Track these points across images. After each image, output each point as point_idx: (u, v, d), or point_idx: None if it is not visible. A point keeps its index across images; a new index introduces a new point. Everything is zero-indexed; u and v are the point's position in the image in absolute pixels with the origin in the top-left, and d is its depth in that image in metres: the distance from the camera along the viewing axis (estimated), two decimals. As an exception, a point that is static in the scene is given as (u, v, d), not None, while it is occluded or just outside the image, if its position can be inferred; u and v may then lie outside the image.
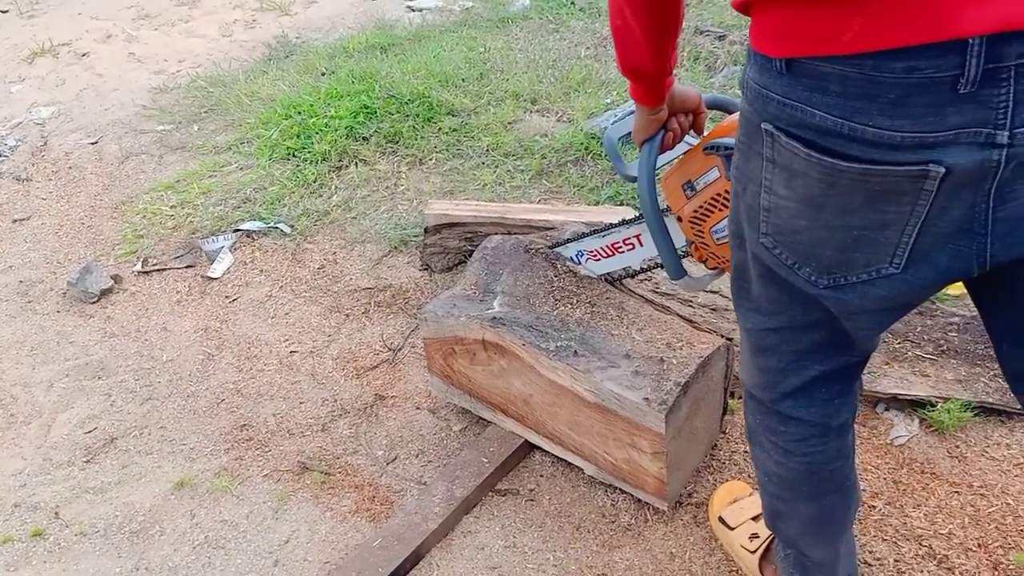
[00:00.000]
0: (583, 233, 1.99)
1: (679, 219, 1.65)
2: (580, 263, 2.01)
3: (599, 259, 1.96)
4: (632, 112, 1.47)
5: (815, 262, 1.04)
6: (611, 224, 1.90)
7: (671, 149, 1.53)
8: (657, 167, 1.52)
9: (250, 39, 4.94)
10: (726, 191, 1.50)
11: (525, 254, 2.08)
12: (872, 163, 0.91)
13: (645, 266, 1.94)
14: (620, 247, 1.90)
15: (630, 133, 1.51)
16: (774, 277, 1.14)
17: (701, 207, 1.58)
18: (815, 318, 1.15)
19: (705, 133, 1.54)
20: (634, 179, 1.58)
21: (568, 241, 2.01)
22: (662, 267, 1.75)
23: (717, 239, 1.59)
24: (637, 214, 1.86)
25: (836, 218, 0.98)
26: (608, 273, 1.99)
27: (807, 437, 1.30)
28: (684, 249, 1.71)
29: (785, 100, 0.95)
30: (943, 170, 0.88)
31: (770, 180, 1.02)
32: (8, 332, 2.78)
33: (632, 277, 2.04)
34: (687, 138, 1.55)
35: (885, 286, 1.02)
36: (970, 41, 0.82)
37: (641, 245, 1.86)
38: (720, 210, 1.55)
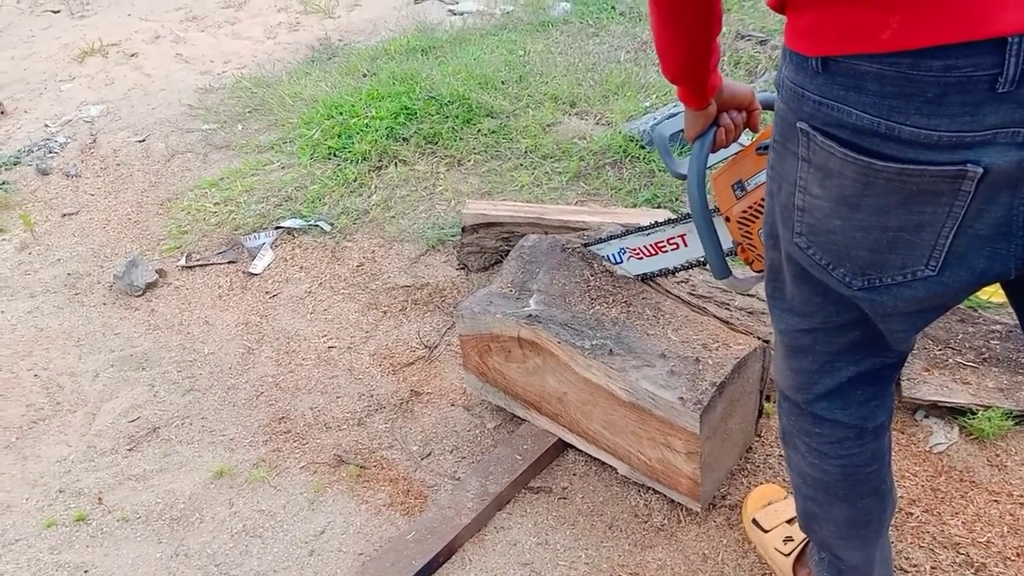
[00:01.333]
0: (627, 231, 1.98)
1: (727, 219, 1.64)
2: (621, 261, 2.00)
3: (641, 258, 1.95)
4: (682, 111, 1.47)
5: (849, 263, 1.04)
6: (656, 222, 1.89)
7: (724, 147, 1.51)
8: (709, 165, 1.51)
9: (294, 41, 5.02)
10: None
11: (562, 253, 2.08)
12: (909, 162, 0.90)
13: (687, 266, 1.93)
14: (664, 246, 1.89)
15: (683, 130, 1.50)
16: (808, 278, 1.13)
17: (751, 208, 1.57)
18: (849, 319, 1.15)
19: (760, 131, 1.53)
20: (684, 176, 1.57)
21: (611, 238, 2.00)
22: (705, 265, 1.74)
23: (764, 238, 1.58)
24: (683, 214, 1.85)
25: (871, 218, 0.98)
26: (647, 273, 1.99)
27: (842, 439, 1.30)
28: (730, 250, 1.69)
29: (821, 99, 0.95)
30: (981, 170, 0.87)
31: (805, 179, 1.02)
32: (56, 323, 2.85)
33: (667, 276, 2.03)
34: (741, 138, 1.53)
35: (920, 288, 1.01)
36: (1009, 40, 0.82)
37: (686, 245, 1.85)
38: None
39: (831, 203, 1.00)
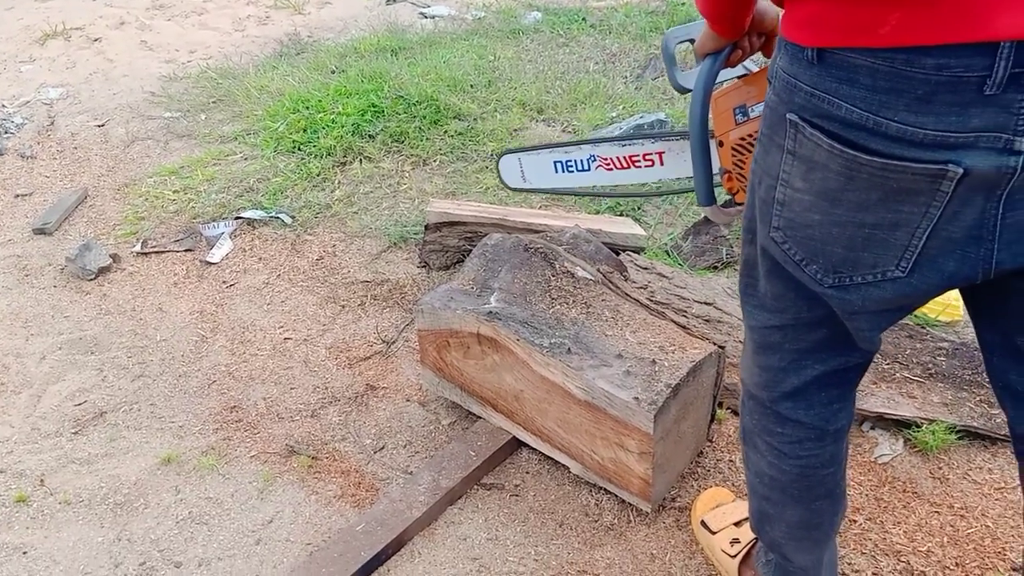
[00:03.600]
0: (601, 137, 1.86)
1: (720, 144, 1.57)
2: (589, 169, 1.88)
3: (611, 169, 1.84)
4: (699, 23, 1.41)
5: (823, 259, 1.06)
6: (635, 134, 1.80)
7: (732, 68, 1.45)
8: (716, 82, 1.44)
9: (262, 35, 4.98)
10: None
11: (524, 253, 2.09)
12: (893, 158, 0.92)
13: (656, 191, 1.79)
14: (639, 161, 1.79)
15: (692, 41, 1.43)
16: (781, 273, 1.15)
17: (750, 136, 1.52)
18: (819, 315, 1.17)
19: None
20: (686, 90, 1.50)
21: (581, 143, 1.88)
22: (675, 193, 1.60)
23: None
24: (665, 131, 1.75)
25: (850, 214, 0.99)
26: (616, 186, 1.86)
27: (802, 440, 1.32)
28: (716, 177, 1.61)
29: (813, 91, 0.96)
30: (961, 171, 0.89)
31: (788, 173, 1.04)
32: (3, 303, 2.78)
33: (634, 196, 1.87)
34: (747, 63, 1.47)
35: (889, 288, 1.03)
36: (1001, 44, 0.84)
37: (662, 164, 1.76)
38: None
39: (812, 197, 1.02)
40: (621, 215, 2.85)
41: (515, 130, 3.40)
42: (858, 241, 1.01)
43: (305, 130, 3.49)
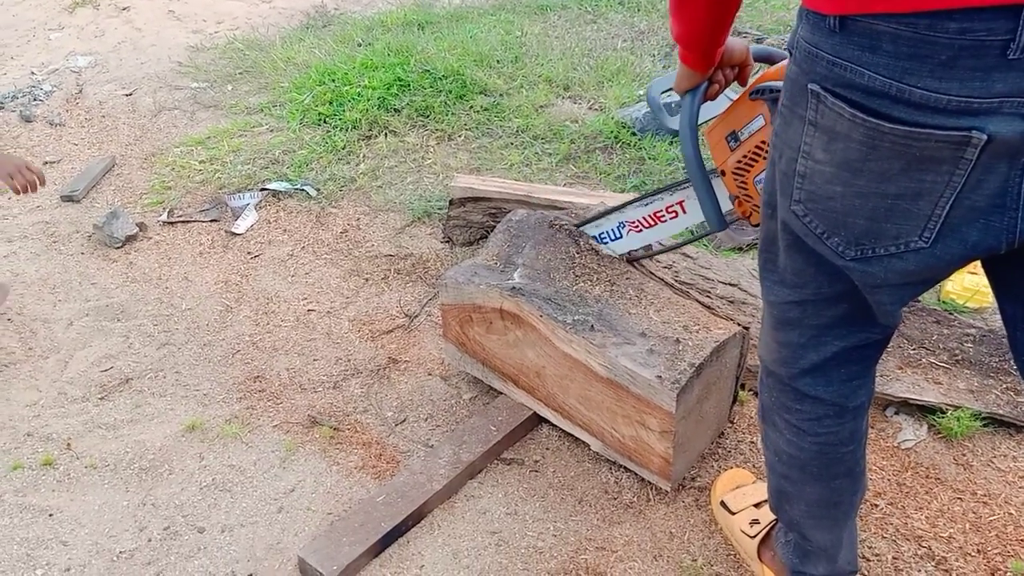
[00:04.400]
0: (624, 204, 1.95)
1: (722, 174, 1.63)
2: (621, 236, 1.97)
3: (641, 230, 1.92)
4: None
5: (845, 231, 1.05)
6: (652, 192, 1.87)
7: (713, 100, 1.51)
8: (700, 122, 1.51)
9: (289, 7, 4.97)
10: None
11: (549, 229, 2.09)
12: (917, 126, 0.91)
13: (686, 238, 1.91)
14: (663, 216, 1.86)
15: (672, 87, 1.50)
16: (802, 247, 1.14)
17: (745, 157, 1.56)
18: (840, 290, 1.16)
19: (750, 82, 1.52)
20: (676, 132, 1.57)
21: (608, 212, 1.96)
22: (704, 236, 1.70)
23: (761, 190, 1.55)
24: (679, 180, 1.83)
25: (872, 184, 0.98)
26: (648, 247, 1.96)
27: (821, 417, 1.31)
28: (729, 212, 1.68)
29: (835, 59, 0.95)
30: (985, 138, 0.88)
31: (809, 144, 1.03)
32: (32, 269, 2.81)
33: (671, 251, 2.00)
34: (727, 92, 1.53)
35: (912, 260, 1.02)
36: None
37: (684, 212, 1.82)
38: (763, 159, 1.53)
39: (834, 168, 1.01)
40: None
41: (541, 107, 3.38)
42: (881, 212, 1.00)
43: (331, 103, 3.49)
